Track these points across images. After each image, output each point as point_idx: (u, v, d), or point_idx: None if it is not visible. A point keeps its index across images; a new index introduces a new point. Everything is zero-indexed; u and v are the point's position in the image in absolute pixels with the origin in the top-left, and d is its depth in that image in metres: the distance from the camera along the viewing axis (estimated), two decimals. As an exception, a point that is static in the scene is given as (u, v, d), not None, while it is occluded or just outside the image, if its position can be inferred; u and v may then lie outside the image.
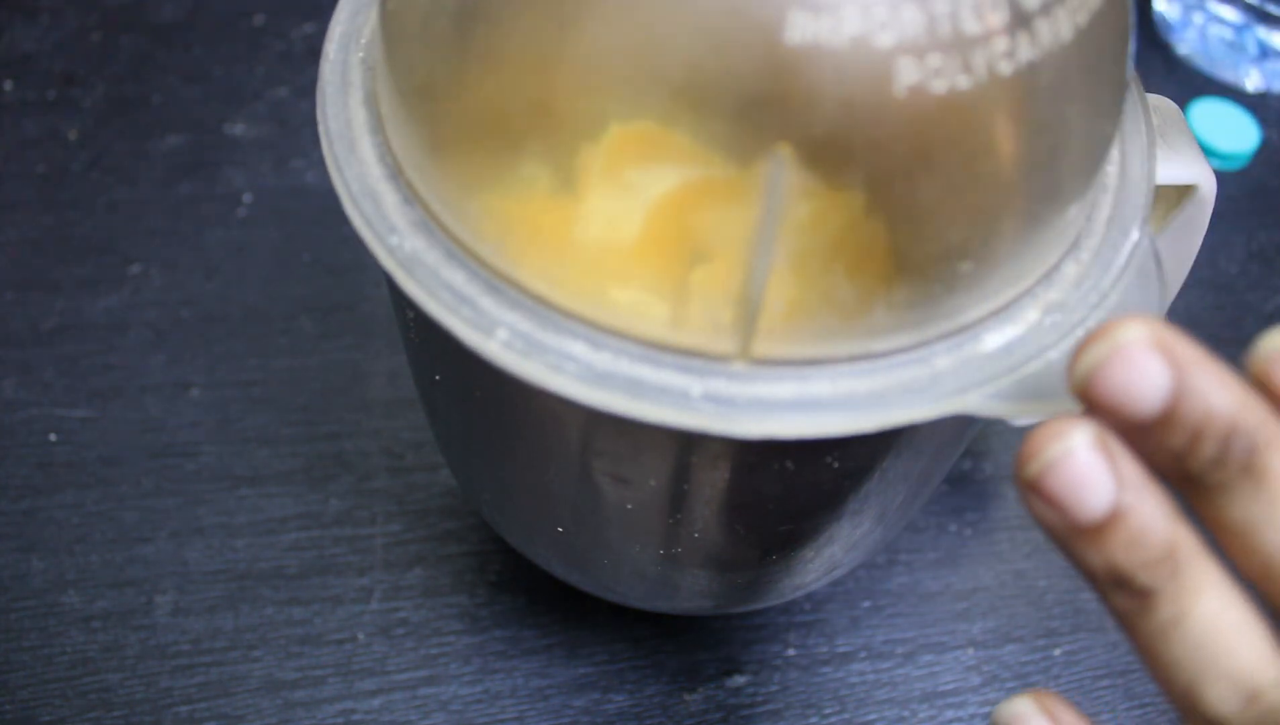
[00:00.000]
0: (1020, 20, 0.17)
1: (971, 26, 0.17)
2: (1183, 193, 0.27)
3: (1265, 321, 0.43)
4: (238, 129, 0.45)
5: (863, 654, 0.34)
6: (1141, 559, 0.16)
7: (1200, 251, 0.28)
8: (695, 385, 0.19)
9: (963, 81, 0.17)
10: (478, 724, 0.32)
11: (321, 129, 0.21)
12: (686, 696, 0.33)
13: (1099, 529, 0.16)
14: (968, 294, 0.19)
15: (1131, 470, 0.16)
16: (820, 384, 0.19)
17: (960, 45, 0.17)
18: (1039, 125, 0.18)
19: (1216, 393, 0.15)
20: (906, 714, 0.33)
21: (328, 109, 0.21)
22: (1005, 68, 0.17)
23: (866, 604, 0.35)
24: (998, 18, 0.17)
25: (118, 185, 0.43)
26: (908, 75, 0.16)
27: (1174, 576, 0.16)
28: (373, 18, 0.23)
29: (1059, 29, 0.18)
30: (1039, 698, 0.18)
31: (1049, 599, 0.36)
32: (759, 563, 0.26)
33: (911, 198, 0.18)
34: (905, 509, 0.27)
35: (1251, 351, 0.16)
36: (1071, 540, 0.16)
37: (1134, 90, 0.23)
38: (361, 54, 0.22)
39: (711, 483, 0.22)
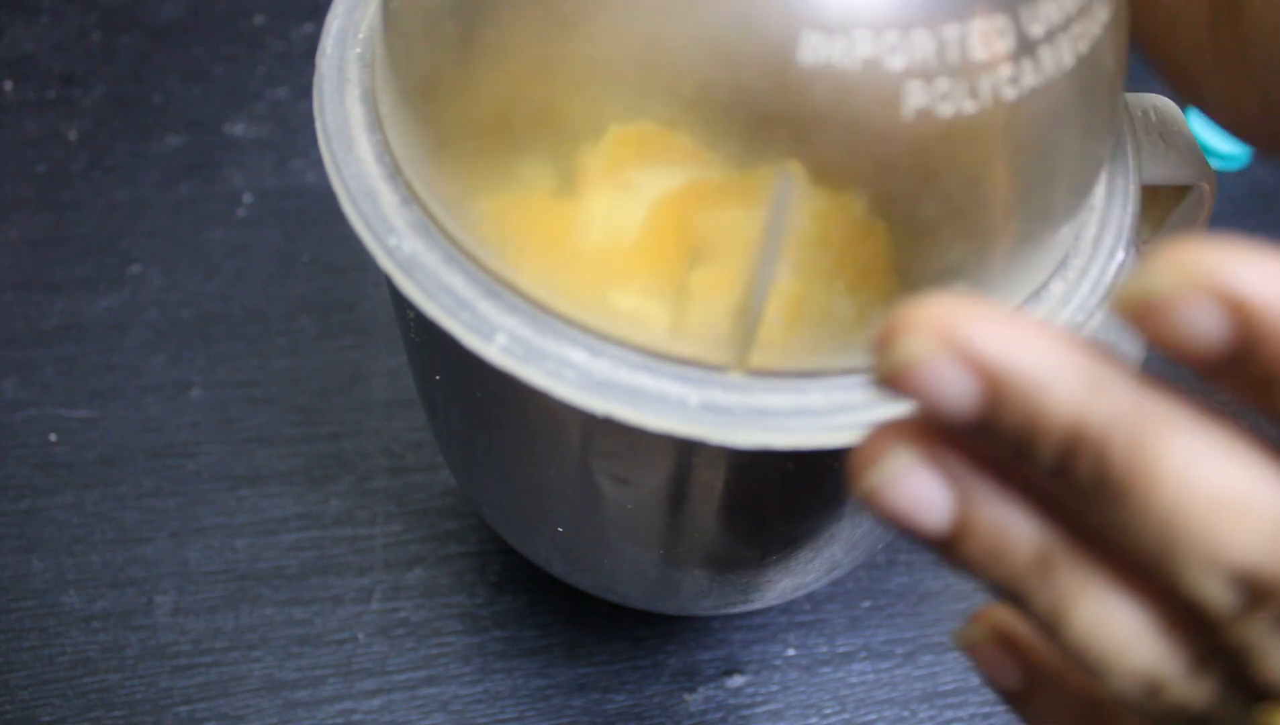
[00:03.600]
0: (1025, 47, 0.17)
1: (979, 53, 0.17)
2: (1182, 193, 0.27)
3: (1266, 321, 0.43)
4: (238, 129, 0.45)
5: (863, 654, 0.34)
6: (1002, 570, 0.14)
7: (1200, 251, 0.27)
8: (693, 394, 0.19)
9: (968, 106, 0.17)
10: (478, 724, 0.32)
11: (319, 124, 0.21)
12: (686, 696, 0.33)
13: (949, 541, 0.14)
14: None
15: (972, 478, 0.14)
16: (815, 395, 0.19)
17: (967, 70, 0.17)
18: (1038, 149, 0.19)
19: (1047, 391, 0.13)
20: (906, 714, 0.33)
21: (325, 104, 0.21)
22: (1009, 93, 0.17)
23: (866, 604, 0.35)
24: (1004, 45, 0.17)
25: (118, 185, 0.43)
26: (916, 98, 0.17)
27: (1045, 584, 0.14)
28: (371, 14, 0.23)
29: (1061, 56, 0.18)
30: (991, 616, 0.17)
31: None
32: (759, 563, 0.26)
33: (914, 217, 0.18)
34: (905, 509, 0.27)
35: (1119, 297, 0.13)
36: (931, 550, 0.15)
37: (1123, 109, 0.23)
38: (359, 50, 0.22)
39: (711, 484, 0.22)
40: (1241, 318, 0.12)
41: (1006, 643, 0.17)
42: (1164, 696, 0.14)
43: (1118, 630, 0.14)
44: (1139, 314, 0.13)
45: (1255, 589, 0.13)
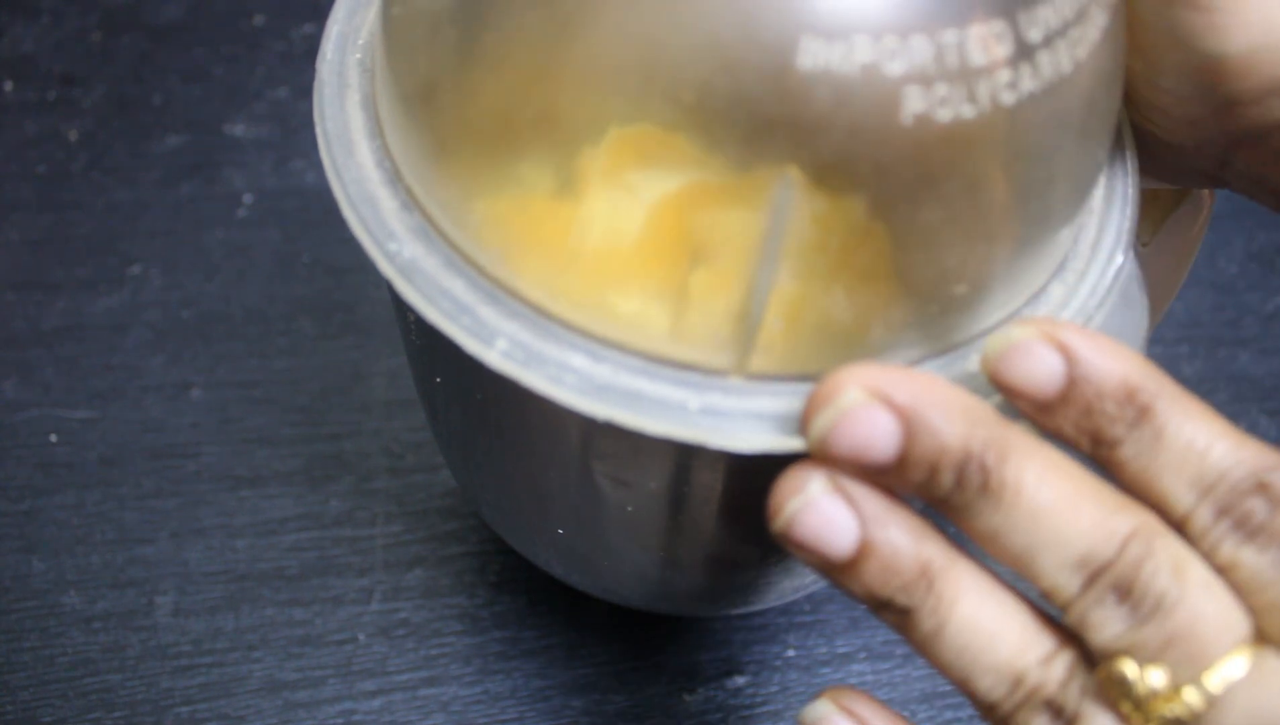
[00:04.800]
0: (1023, 52, 0.17)
1: (977, 58, 0.17)
2: (1182, 194, 0.27)
3: (1265, 322, 0.43)
4: (238, 129, 0.45)
5: (862, 655, 0.34)
6: (896, 584, 0.17)
7: (1200, 252, 0.28)
8: (693, 398, 0.19)
9: (967, 111, 0.17)
10: (478, 724, 0.32)
11: (319, 130, 0.21)
12: (686, 697, 0.33)
13: (851, 563, 0.17)
14: (960, 314, 0.20)
15: (872, 505, 0.17)
16: None
17: (966, 76, 0.17)
18: (1037, 153, 0.19)
19: (945, 426, 0.17)
20: (906, 715, 0.33)
21: (325, 109, 0.22)
22: (1008, 98, 0.17)
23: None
24: (1002, 50, 0.17)
25: (118, 185, 0.43)
26: (915, 103, 0.17)
27: (929, 592, 0.17)
28: (370, 19, 0.23)
29: (1059, 61, 0.18)
30: (837, 696, 0.19)
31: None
32: (759, 564, 0.26)
33: (913, 222, 0.18)
34: (904, 510, 0.27)
35: (981, 355, 0.18)
36: (830, 574, 0.18)
37: (1121, 112, 0.23)
38: (359, 55, 0.22)
39: (711, 486, 0.22)
40: (1069, 358, 0.17)
41: (850, 712, 0.19)
42: (1024, 686, 0.17)
43: (987, 626, 0.17)
44: (1000, 358, 0.18)
45: (1089, 571, 0.17)
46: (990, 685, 0.17)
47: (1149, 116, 0.22)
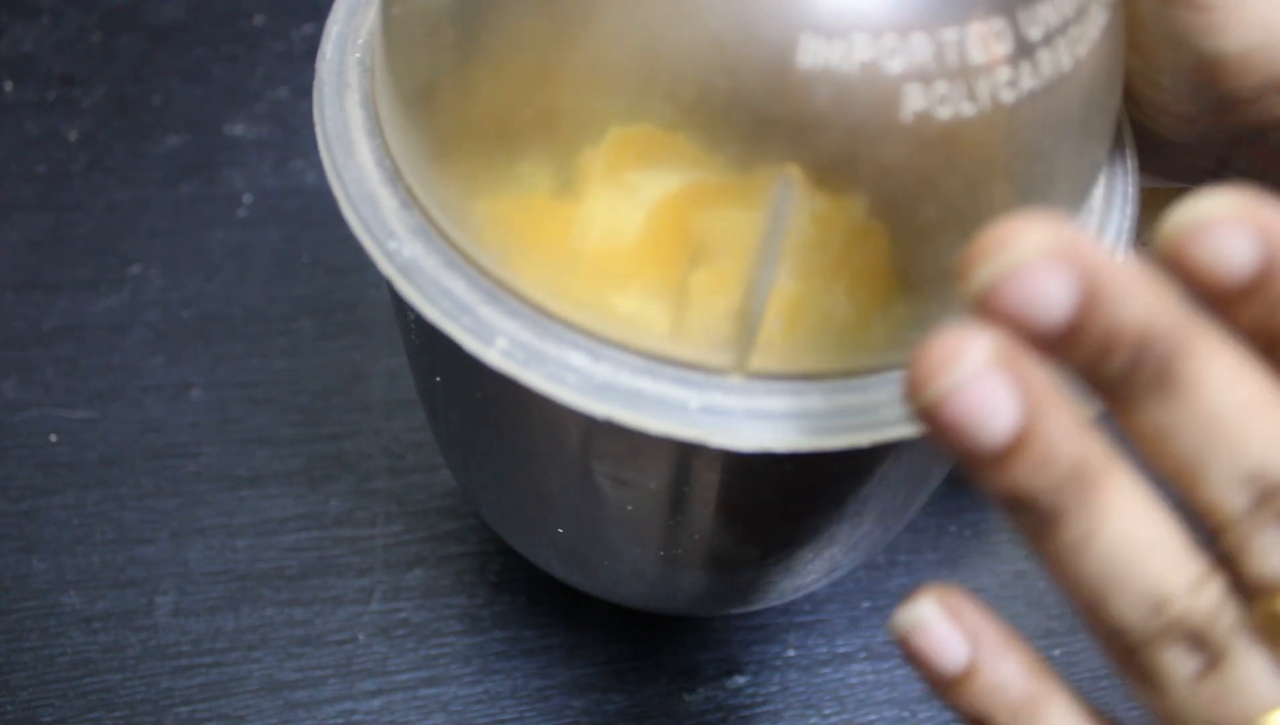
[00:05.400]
0: (1023, 50, 0.17)
1: (977, 55, 0.17)
2: (1182, 192, 0.27)
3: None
4: (238, 129, 0.45)
5: (863, 654, 0.34)
6: (1048, 482, 0.15)
7: (1200, 252, 0.28)
8: (693, 397, 0.19)
9: (967, 109, 0.17)
10: (478, 724, 0.32)
11: (319, 130, 0.21)
12: (686, 697, 0.33)
13: (1003, 455, 0.15)
14: (961, 313, 0.20)
15: (1038, 386, 0.15)
16: (815, 398, 0.19)
17: (966, 73, 0.17)
18: (1037, 151, 0.19)
19: (1126, 302, 0.14)
20: (906, 714, 0.33)
21: (325, 109, 0.22)
22: (1008, 96, 0.17)
23: (866, 604, 0.35)
24: (1002, 48, 0.17)
25: (118, 185, 0.43)
26: (914, 101, 0.17)
27: (1083, 496, 0.15)
28: (370, 19, 0.23)
29: (1059, 59, 0.18)
30: (944, 596, 0.17)
31: (1049, 599, 0.36)
32: (759, 564, 0.26)
33: (913, 220, 0.18)
34: (905, 510, 0.27)
35: (1160, 234, 0.15)
36: (974, 466, 0.15)
37: (1121, 110, 0.23)
38: (359, 55, 0.22)
39: (711, 485, 0.22)
40: (1270, 245, 0.14)
41: (955, 615, 0.17)
42: (1167, 612, 0.15)
43: (1141, 540, 0.15)
44: (1183, 241, 0.15)
45: (1263, 489, 0.15)
46: (1128, 607, 0.15)
47: (1149, 114, 0.22)
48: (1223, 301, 0.15)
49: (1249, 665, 0.15)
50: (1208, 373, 0.15)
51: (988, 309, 0.15)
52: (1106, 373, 0.15)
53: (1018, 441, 0.15)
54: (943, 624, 0.17)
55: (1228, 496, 0.15)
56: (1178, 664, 0.16)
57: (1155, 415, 0.15)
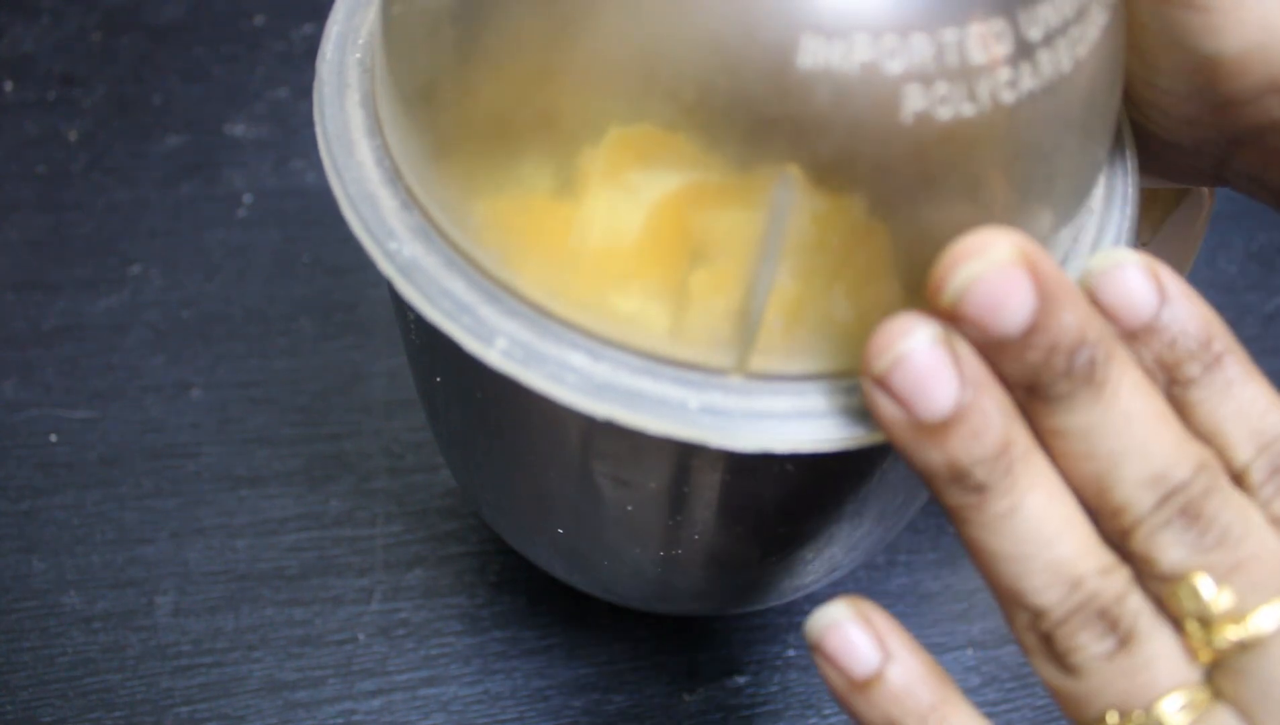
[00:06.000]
0: (1023, 51, 0.17)
1: (977, 56, 0.17)
2: (1182, 193, 0.27)
3: (1265, 322, 0.43)
4: (238, 129, 0.45)
5: (862, 654, 0.34)
6: (979, 455, 0.17)
7: (1200, 252, 0.28)
8: (693, 398, 0.19)
9: (967, 109, 0.17)
10: (478, 724, 0.32)
11: (319, 130, 0.21)
12: (686, 697, 0.33)
13: (942, 425, 0.17)
14: None
15: (975, 368, 0.17)
16: (815, 398, 0.19)
17: (966, 74, 0.17)
18: (1037, 152, 0.19)
19: (1070, 308, 0.17)
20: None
21: (325, 109, 0.22)
22: (1008, 96, 0.17)
23: (866, 604, 0.35)
24: (1002, 48, 0.17)
25: (118, 185, 0.43)
26: (915, 102, 0.17)
27: (1008, 472, 0.17)
28: (370, 19, 0.23)
29: (1059, 60, 0.18)
30: (855, 602, 0.19)
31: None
32: (759, 564, 0.26)
33: (913, 221, 0.18)
34: (905, 510, 0.27)
35: (1083, 271, 0.18)
36: (914, 436, 0.17)
37: (1121, 111, 0.23)
38: (359, 55, 0.22)
39: (711, 485, 0.22)
40: (1162, 290, 0.18)
41: (866, 619, 0.19)
42: (1080, 591, 0.17)
43: (1055, 520, 0.17)
44: (1103, 275, 0.18)
45: (1164, 490, 0.17)
46: (1044, 584, 0.17)
47: (1148, 115, 0.22)
48: (1129, 336, 0.18)
49: (1155, 644, 0.17)
50: (1125, 379, 0.17)
51: (958, 312, 0.17)
52: (1049, 372, 0.17)
53: (956, 413, 0.17)
54: (855, 627, 0.18)
55: (1137, 496, 0.17)
56: (1090, 643, 0.17)
57: (1084, 415, 0.17)
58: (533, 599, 0.34)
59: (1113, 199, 0.22)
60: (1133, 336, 0.18)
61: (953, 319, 0.17)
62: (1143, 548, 0.17)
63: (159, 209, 0.42)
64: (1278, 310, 0.44)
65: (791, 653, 0.34)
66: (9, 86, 0.46)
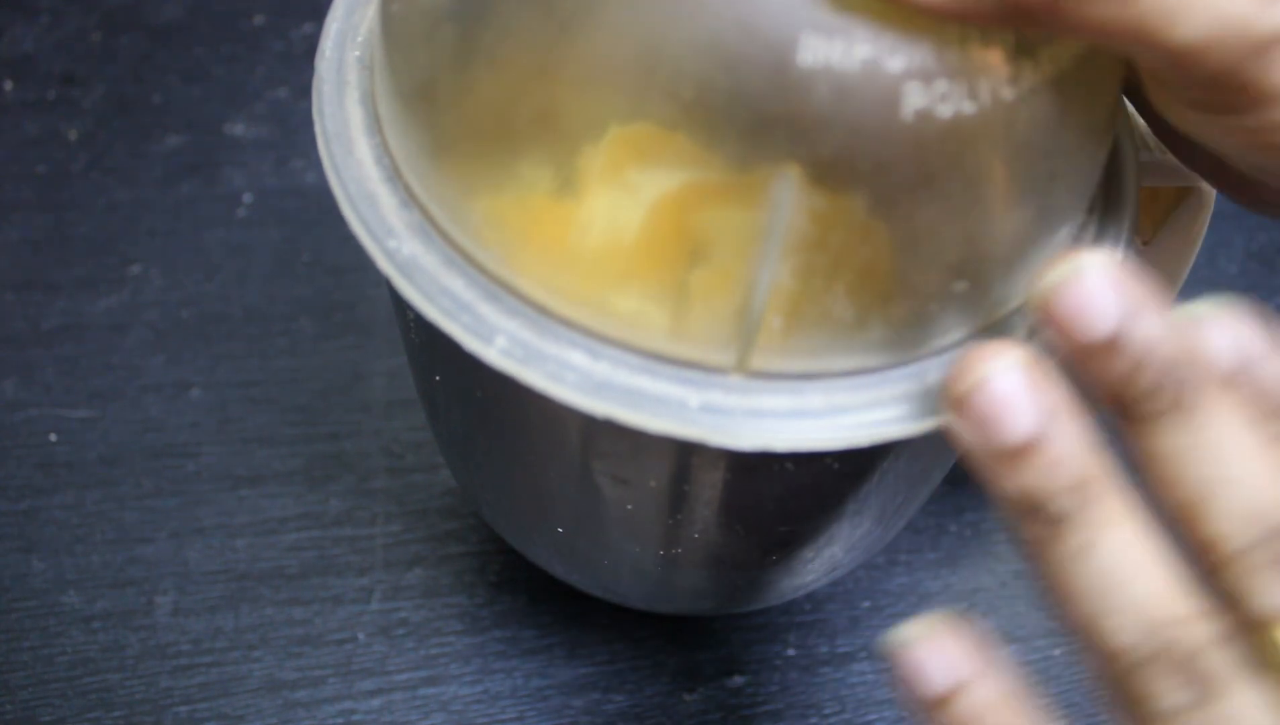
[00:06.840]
0: (1024, 48, 0.17)
1: (978, 53, 0.17)
2: (1182, 193, 0.27)
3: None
4: (238, 129, 0.45)
5: (863, 654, 0.34)
6: (1056, 486, 0.16)
7: (1200, 252, 0.28)
8: (693, 396, 0.19)
9: (967, 107, 0.17)
10: (478, 724, 0.32)
11: (318, 127, 0.21)
12: (686, 697, 0.33)
13: (1018, 453, 0.16)
14: (961, 312, 0.20)
15: (1057, 398, 0.16)
16: (815, 397, 0.19)
17: (966, 71, 0.17)
18: (1038, 149, 0.19)
19: (1159, 330, 0.16)
20: (907, 714, 0.33)
21: (324, 107, 0.21)
22: (1008, 94, 0.17)
23: (866, 604, 0.35)
24: (1003, 45, 0.17)
25: (118, 185, 0.43)
26: (915, 99, 0.17)
27: (1086, 505, 0.16)
28: (369, 17, 0.23)
29: (1060, 57, 0.18)
30: (938, 619, 0.18)
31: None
32: (759, 563, 0.26)
33: (914, 219, 0.18)
34: (905, 509, 0.27)
35: (1033, 288, 0.17)
36: (990, 463, 0.17)
37: (1123, 109, 0.23)
38: (358, 52, 0.22)
39: (711, 484, 0.22)
40: (1129, 300, 0.16)
41: (945, 638, 0.18)
42: (1159, 637, 0.16)
43: (1136, 560, 0.16)
44: (1050, 296, 0.16)
45: (1264, 529, 0.16)
46: (1121, 626, 0.16)
47: (1261, 196, 0.23)
48: (1085, 354, 0.17)
49: (1241, 699, 0.16)
50: (1218, 411, 0.16)
51: (1048, 312, 0.16)
52: (1134, 387, 0.16)
53: (1034, 441, 0.16)
54: (934, 644, 0.18)
55: (1234, 529, 0.16)
56: (1168, 693, 0.16)
57: (1173, 438, 0.16)
58: (533, 599, 0.34)
59: (1113, 198, 0.22)
60: (1089, 355, 0.17)
61: (1042, 317, 0.16)
62: (1234, 587, 0.16)
63: (159, 209, 0.42)
64: (1278, 310, 0.44)
65: (791, 653, 0.34)
66: (9, 86, 0.46)
